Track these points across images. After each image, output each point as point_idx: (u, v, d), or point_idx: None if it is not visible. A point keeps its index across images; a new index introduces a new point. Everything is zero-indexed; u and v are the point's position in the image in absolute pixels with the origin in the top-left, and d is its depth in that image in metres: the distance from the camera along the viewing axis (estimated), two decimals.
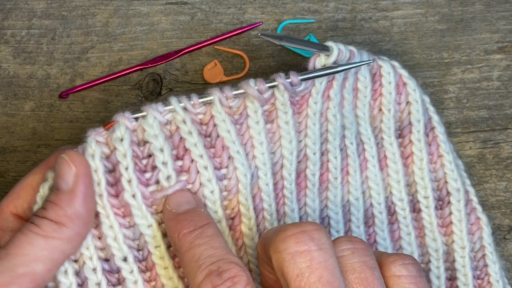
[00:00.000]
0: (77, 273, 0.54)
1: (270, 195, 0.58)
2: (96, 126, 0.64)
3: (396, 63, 0.62)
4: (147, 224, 0.55)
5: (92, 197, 0.53)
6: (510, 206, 0.66)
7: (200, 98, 0.56)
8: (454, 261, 0.63)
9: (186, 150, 0.56)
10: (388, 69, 0.62)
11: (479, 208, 0.63)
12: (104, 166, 0.54)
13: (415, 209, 0.63)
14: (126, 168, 0.54)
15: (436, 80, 0.67)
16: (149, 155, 0.55)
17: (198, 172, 0.56)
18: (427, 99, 0.63)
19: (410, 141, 0.63)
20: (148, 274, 0.56)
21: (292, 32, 0.67)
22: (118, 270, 0.55)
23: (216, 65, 0.66)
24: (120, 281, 0.55)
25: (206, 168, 0.56)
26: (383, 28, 0.68)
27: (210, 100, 0.56)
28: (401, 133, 0.63)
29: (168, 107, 0.56)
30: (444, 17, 0.68)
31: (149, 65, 0.66)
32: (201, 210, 0.54)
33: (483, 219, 0.63)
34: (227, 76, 0.66)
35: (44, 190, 0.53)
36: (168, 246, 0.56)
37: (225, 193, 0.57)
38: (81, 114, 0.65)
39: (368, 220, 0.63)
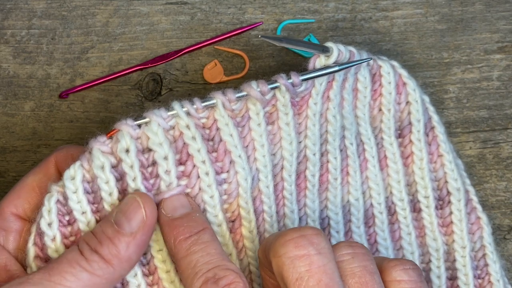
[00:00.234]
0: None
1: (270, 197, 0.58)
2: (96, 126, 0.64)
3: (395, 63, 0.62)
4: None
5: (146, 246, 0.53)
6: (510, 206, 0.66)
7: (202, 102, 0.56)
8: (454, 260, 0.63)
9: (189, 155, 0.56)
10: (387, 69, 0.62)
11: (479, 207, 0.63)
12: (113, 177, 0.54)
13: (415, 209, 0.63)
14: (134, 179, 0.54)
15: (436, 80, 0.67)
16: (153, 162, 0.55)
17: (198, 177, 0.56)
18: (426, 99, 0.63)
19: (410, 141, 0.63)
20: (150, 277, 0.56)
21: (292, 32, 0.67)
22: None
23: (216, 65, 0.66)
24: (124, 285, 0.55)
25: (207, 174, 0.56)
26: (383, 28, 0.68)
27: (213, 103, 0.56)
28: (401, 133, 0.63)
29: (171, 113, 0.55)
30: (444, 17, 0.68)
31: (149, 65, 0.66)
32: (196, 215, 0.54)
33: (483, 218, 0.63)
34: (227, 76, 0.66)
35: (50, 204, 0.53)
36: None
37: (225, 197, 0.57)
38: (81, 114, 0.65)
39: (369, 220, 0.63)
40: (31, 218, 0.55)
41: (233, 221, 0.58)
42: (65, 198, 0.53)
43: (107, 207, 0.54)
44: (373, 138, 0.62)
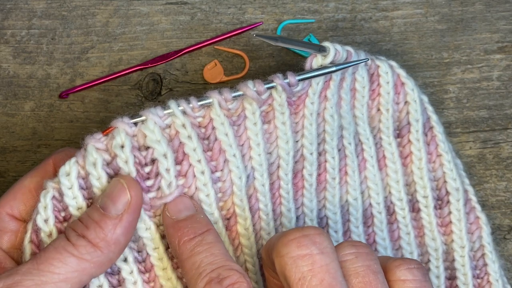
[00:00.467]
0: None
1: (266, 195, 0.58)
2: (96, 126, 0.64)
3: (394, 63, 0.62)
4: (145, 227, 0.55)
5: (134, 228, 0.53)
6: (510, 206, 0.66)
7: (199, 101, 0.56)
8: (453, 260, 0.63)
9: (184, 154, 0.56)
10: (386, 69, 0.62)
11: (478, 207, 0.63)
12: (106, 174, 0.54)
13: (414, 208, 0.63)
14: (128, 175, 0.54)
15: (436, 80, 0.67)
16: (152, 160, 0.55)
17: (194, 176, 0.56)
18: (425, 98, 0.63)
19: (409, 140, 0.63)
20: (147, 275, 0.56)
21: (292, 32, 0.67)
22: (119, 271, 0.55)
23: (216, 65, 0.66)
24: (121, 282, 0.55)
25: (203, 173, 0.56)
26: (383, 28, 0.68)
27: (209, 103, 0.56)
28: (399, 132, 0.63)
29: (167, 111, 0.55)
30: (444, 17, 0.68)
31: (149, 65, 0.66)
32: (200, 217, 0.54)
33: (482, 218, 0.63)
34: (227, 76, 0.66)
35: (46, 200, 0.53)
36: (167, 248, 0.56)
37: (219, 195, 0.57)
38: (81, 114, 0.66)
39: (367, 220, 0.63)
40: (26, 220, 0.55)
41: (228, 219, 0.58)
42: (61, 194, 0.53)
43: None
44: (371, 138, 0.62)
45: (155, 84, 0.66)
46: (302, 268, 0.48)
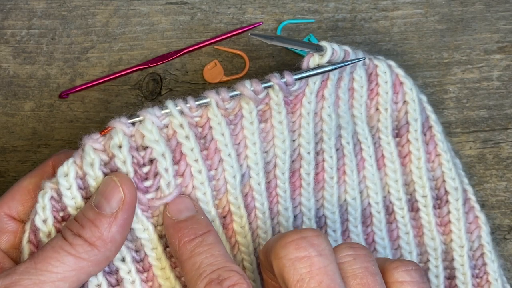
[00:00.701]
0: None
1: (262, 194, 0.58)
2: (96, 126, 0.64)
3: (392, 63, 0.62)
4: (142, 228, 0.55)
5: (130, 225, 0.53)
6: (510, 206, 0.66)
7: (196, 100, 0.56)
8: (452, 260, 0.63)
9: (182, 154, 0.56)
10: (384, 68, 0.62)
11: (477, 206, 0.63)
12: (103, 174, 0.54)
13: (413, 208, 0.63)
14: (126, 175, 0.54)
15: (436, 80, 0.67)
16: (150, 160, 0.55)
17: (191, 175, 0.56)
18: (424, 98, 0.63)
19: (408, 140, 0.63)
20: (145, 274, 0.56)
21: (292, 32, 0.67)
22: (117, 271, 0.55)
23: (216, 65, 0.66)
24: (119, 281, 0.55)
25: (200, 172, 0.56)
26: (383, 28, 0.68)
27: (207, 102, 0.56)
28: (398, 132, 0.63)
29: (165, 111, 0.55)
30: (444, 17, 0.68)
31: (149, 65, 0.66)
32: (201, 218, 0.54)
33: (481, 217, 0.63)
34: (227, 76, 0.66)
35: (44, 201, 0.53)
36: (165, 247, 0.56)
37: (214, 193, 0.57)
38: (81, 114, 0.66)
39: (366, 219, 0.63)
40: (24, 220, 0.55)
41: (224, 217, 0.58)
42: (59, 194, 0.53)
43: None
44: (370, 137, 0.62)
45: (155, 84, 0.66)
46: (300, 270, 0.48)
